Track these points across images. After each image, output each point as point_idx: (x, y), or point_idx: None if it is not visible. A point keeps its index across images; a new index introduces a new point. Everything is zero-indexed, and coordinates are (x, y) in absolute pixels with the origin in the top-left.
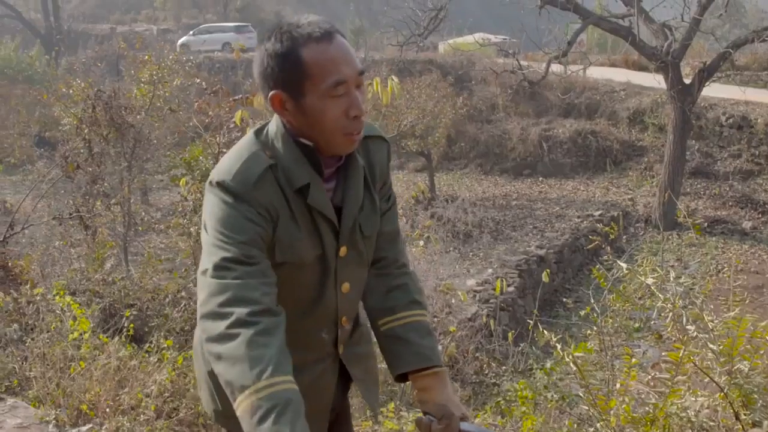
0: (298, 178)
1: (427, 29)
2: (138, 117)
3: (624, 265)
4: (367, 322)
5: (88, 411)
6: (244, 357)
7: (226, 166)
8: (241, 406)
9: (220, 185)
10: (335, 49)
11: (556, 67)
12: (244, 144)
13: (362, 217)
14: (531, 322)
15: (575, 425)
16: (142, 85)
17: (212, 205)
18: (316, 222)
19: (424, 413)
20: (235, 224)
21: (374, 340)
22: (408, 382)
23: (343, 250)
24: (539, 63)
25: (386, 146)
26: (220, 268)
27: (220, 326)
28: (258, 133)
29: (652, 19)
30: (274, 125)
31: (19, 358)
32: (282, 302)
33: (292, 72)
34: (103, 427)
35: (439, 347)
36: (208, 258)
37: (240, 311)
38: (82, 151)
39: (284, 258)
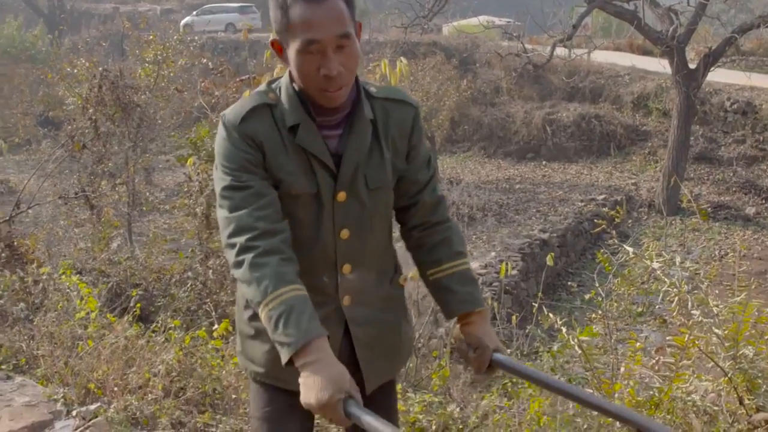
0: (290, 119)
1: (431, 11)
2: (143, 97)
3: (630, 250)
4: (400, 293)
5: (95, 390)
6: (252, 278)
7: (233, 105)
8: (262, 318)
9: (221, 119)
10: (320, 10)
11: (560, 51)
12: (256, 89)
13: (368, 168)
14: (535, 305)
15: (581, 408)
16: (147, 64)
17: (217, 140)
18: (311, 162)
19: (466, 343)
20: (229, 155)
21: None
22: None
23: (341, 195)
24: (544, 46)
25: (413, 111)
26: (223, 198)
27: (233, 256)
28: (271, 81)
29: (657, 3)
30: (286, 74)
31: (26, 337)
32: None
33: (281, 24)
34: (111, 406)
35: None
36: (217, 191)
37: (241, 239)
38: (88, 130)
39: (274, 182)
